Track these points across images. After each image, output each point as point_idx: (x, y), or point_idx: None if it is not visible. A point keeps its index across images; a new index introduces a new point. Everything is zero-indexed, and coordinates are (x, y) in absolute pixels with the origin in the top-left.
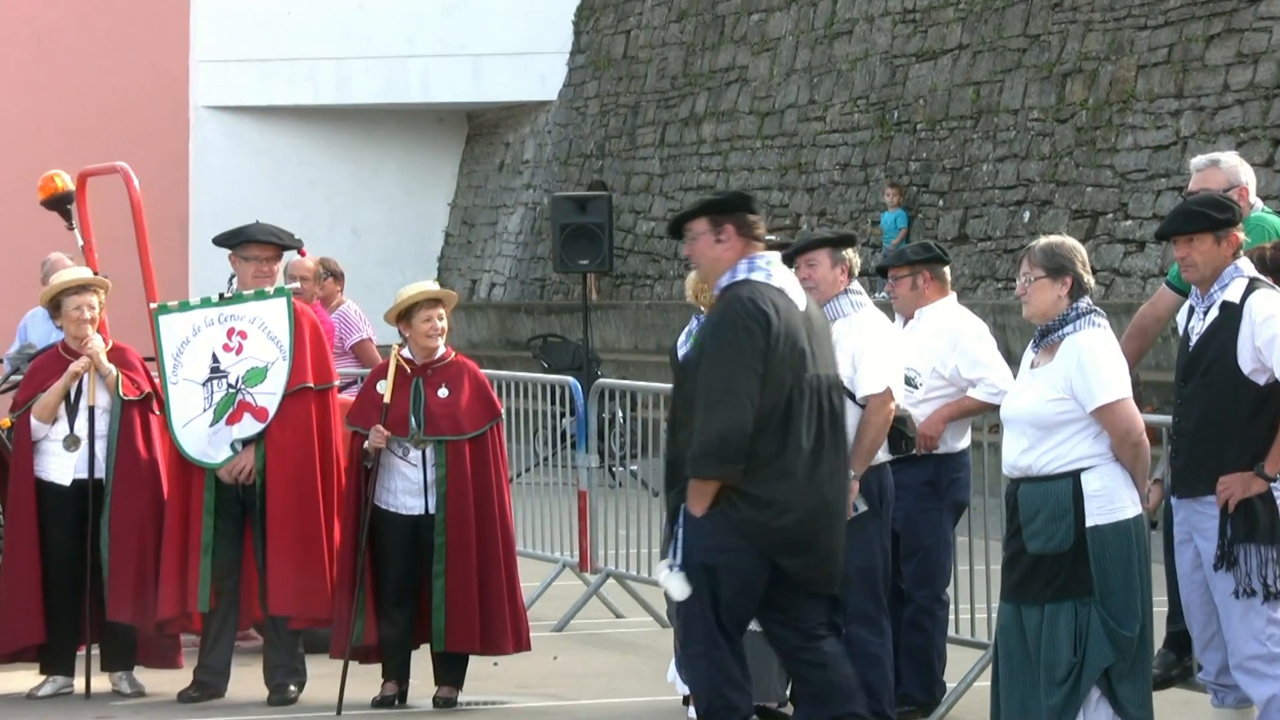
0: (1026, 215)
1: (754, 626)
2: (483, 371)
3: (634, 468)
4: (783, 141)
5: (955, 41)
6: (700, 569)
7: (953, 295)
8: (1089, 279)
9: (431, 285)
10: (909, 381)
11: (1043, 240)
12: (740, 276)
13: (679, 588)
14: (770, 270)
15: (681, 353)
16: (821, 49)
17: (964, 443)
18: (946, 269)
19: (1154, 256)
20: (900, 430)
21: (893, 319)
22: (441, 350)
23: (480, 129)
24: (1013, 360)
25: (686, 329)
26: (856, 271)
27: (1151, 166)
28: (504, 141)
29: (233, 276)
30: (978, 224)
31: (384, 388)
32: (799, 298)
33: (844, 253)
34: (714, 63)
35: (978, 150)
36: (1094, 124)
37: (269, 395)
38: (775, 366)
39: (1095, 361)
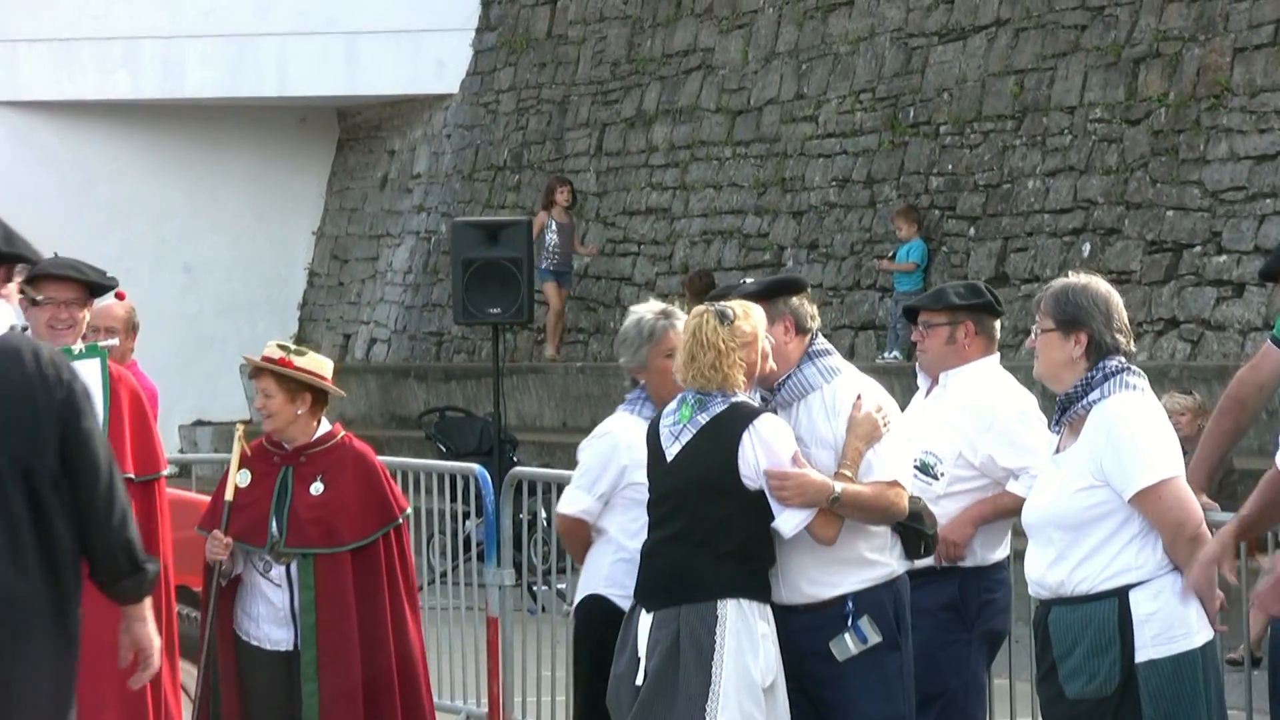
0: (1086, 248)
1: None
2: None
3: (561, 586)
4: (760, 149)
5: (991, 16)
6: None
7: (995, 356)
8: (1119, 339)
9: (274, 349)
10: (926, 470)
11: (1060, 281)
12: None
13: None
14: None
15: (666, 431)
16: (812, 26)
17: (1000, 553)
18: (997, 323)
19: (1256, 303)
20: (917, 529)
21: (898, 387)
22: (325, 428)
23: (355, 132)
24: None
25: (679, 397)
26: (815, 325)
27: (1253, 183)
28: (388, 149)
29: (25, 328)
30: (1020, 260)
31: (243, 478)
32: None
33: (783, 303)
34: (669, 44)
35: (1021, 161)
36: (1176, 126)
37: None
38: None
39: (1130, 433)
